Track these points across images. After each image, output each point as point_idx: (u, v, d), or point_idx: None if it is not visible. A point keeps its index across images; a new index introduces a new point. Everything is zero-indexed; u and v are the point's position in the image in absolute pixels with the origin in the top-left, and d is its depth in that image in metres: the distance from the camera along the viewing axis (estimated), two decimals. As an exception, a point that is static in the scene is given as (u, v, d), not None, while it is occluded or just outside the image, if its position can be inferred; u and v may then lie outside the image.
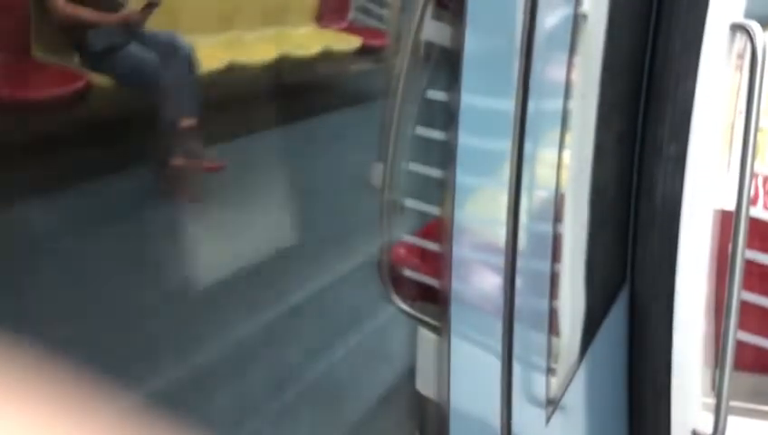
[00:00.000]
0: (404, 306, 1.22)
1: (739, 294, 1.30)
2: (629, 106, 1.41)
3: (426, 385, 1.03)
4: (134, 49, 3.05)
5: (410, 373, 1.05)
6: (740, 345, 1.34)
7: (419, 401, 1.04)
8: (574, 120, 1.10)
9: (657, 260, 1.41)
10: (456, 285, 0.95)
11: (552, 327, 1.11)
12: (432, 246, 1.04)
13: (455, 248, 0.95)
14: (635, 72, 1.41)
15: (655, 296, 1.42)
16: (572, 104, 1.07)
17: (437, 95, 1.00)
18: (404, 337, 1.07)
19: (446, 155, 0.94)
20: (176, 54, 3.05)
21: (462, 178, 0.93)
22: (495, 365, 0.97)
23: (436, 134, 0.99)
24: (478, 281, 1.00)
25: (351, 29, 4.51)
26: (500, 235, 0.95)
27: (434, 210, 1.04)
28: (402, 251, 1.43)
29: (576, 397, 1.26)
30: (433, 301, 1.00)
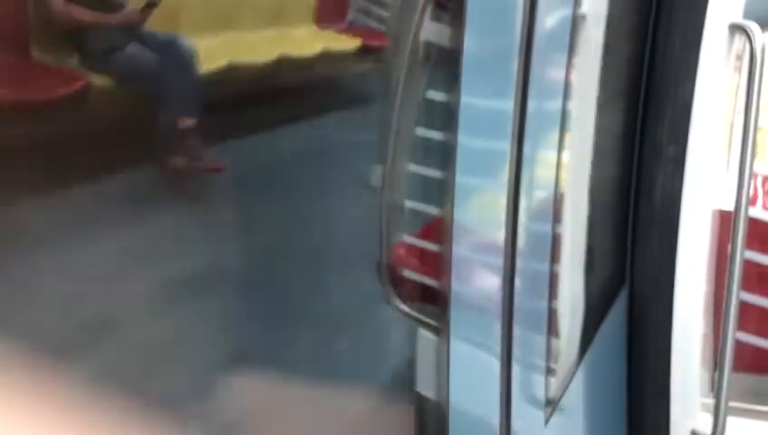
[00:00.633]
0: (404, 307, 1.22)
1: (738, 294, 1.30)
2: (628, 106, 1.41)
3: (425, 386, 1.03)
4: (134, 49, 3.04)
5: (410, 374, 1.06)
6: (739, 346, 1.34)
7: (419, 401, 1.04)
8: (573, 121, 1.10)
9: (657, 260, 1.41)
10: (456, 286, 0.95)
11: (552, 328, 1.11)
12: (432, 246, 1.04)
13: (454, 249, 0.95)
14: (634, 73, 1.41)
15: (654, 297, 1.42)
16: (571, 105, 1.07)
17: (437, 96, 1.01)
18: (403, 338, 1.08)
19: (445, 155, 0.94)
20: (176, 55, 3.05)
21: (462, 178, 0.93)
22: (495, 366, 0.97)
23: (436, 135, 0.99)
24: (478, 282, 1.00)
25: (351, 30, 4.51)
26: (499, 235, 0.95)
27: (434, 211, 1.04)
28: (402, 252, 1.43)
29: (575, 398, 1.26)
30: (433, 302, 1.00)
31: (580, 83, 1.10)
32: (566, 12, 1.02)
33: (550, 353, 1.11)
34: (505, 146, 0.93)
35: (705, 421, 1.37)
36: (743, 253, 1.29)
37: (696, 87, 1.32)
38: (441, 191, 0.97)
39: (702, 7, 1.31)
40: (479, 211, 0.98)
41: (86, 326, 2.03)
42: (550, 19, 0.97)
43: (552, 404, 1.12)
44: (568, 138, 1.08)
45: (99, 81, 2.95)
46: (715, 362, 1.36)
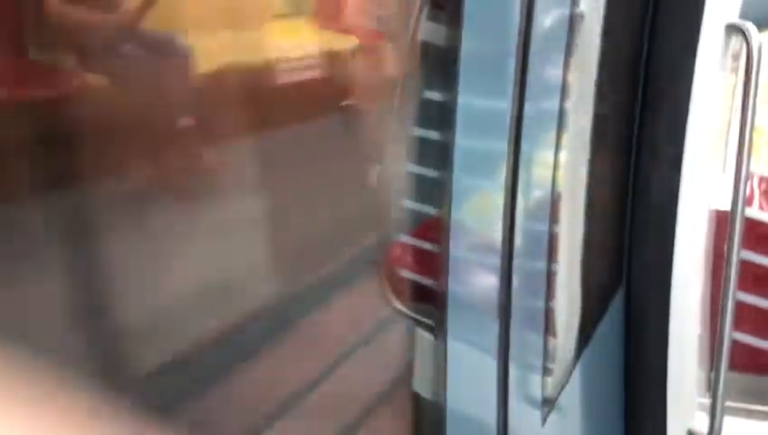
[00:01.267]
0: (401, 307, 1.22)
1: (734, 294, 1.30)
2: (625, 107, 1.42)
3: (423, 385, 1.03)
4: (131, 49, 3.05)
5: (407, 373, 1.05)
6: (735, 346, 1.34)
7: (416, 400, 1.04)
8: (570, 121, 1.10)
9: (653, 261, 1.41)
10: (453, 286, 0.95)
11: (549, 327, 1.11)
12: (429, 246, 1.04)
13: (452, 249, 0.95)
14: (631, 73, 1.41)
15: (651, 297, 1.42)
16: (569, 104, 1.07)
17: (435, 96, 1.01)
18: (401, 337, 1.07)
19: (443, 155, 0.94)
20: (173, 54, 3.06)
21: (459, 178, 0.93)
22: (492, 365, 0.97)
23: (434, 135, 0.99)
24: (475, 281, 1.00)
25: (348, 29, 4.51)
26: (497, 235, 0.95)
27: (431, 211, 1.04)
28: (399, 251, 1.43)
29: (572, 397, 1.26)
30: (430, 301, 1.00)
31: (577, 83, 1.10)
32: (563, 12, 1.02)
33: (547, 353, 1.11)
34: (503, 146, 0.93)
35: (701, 420, 1.37)
36: (739, 253, 1.29)
37: (692, 87, 1.33)
38: (439, 191, 0.97)
39: (699, 8, 1.31)
40: (476, 211, 0.98)
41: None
42: (547, 19, 0.97)
43: (549, 403, 1.12)
44: (565, 138, 1.08)
45: (95, 81, 2.95)
46: (712, 362, 1.36)
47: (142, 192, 0.69)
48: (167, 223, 0.72)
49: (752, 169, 1.36)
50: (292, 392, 0.90)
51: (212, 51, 0.79)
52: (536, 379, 1.08)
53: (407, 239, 1.10)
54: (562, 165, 1.09)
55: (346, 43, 1.02)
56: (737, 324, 1.34)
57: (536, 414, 1.09)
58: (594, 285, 1.33)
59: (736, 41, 1.33)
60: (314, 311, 0.98)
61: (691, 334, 1.40)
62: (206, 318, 0.74)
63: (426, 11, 1.06)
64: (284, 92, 0.89)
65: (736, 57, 1.36)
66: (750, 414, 1.45)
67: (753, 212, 1.44)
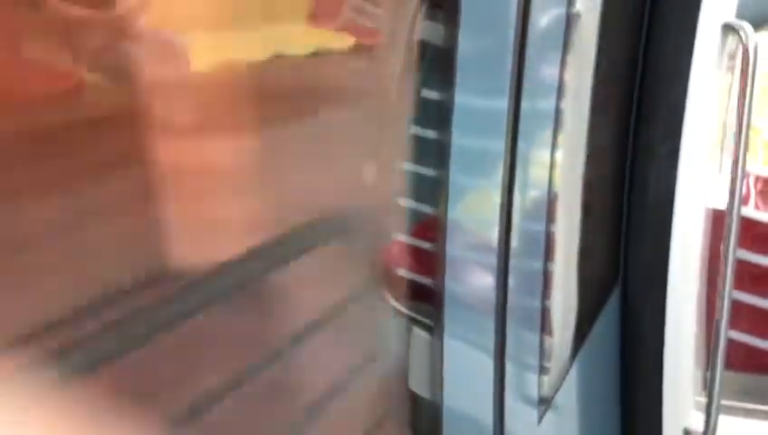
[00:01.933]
0: (397, 305, 1.22)
1: (730, 293, 1.31)
2: (622, 105, 1.42)
3: (419, 384, 1.03)
4: (128, 47, 3.04)
5: (403, 372, 1.06)
6: (731, 344, 1.35)
7: (412, 399, 1.04)
8: (567, 120, 1.10)
9: (649, 259, 1.42)
10: (450, 284, 0.95)
11: (545, 326, 1.11)
12: (425, 245, 1.04)
13: (448, 247, 0.95)
14: (627, 72, 1.41)
15: (647, 295, 1.42)
16: (565, 103, 1.07)
17: (431, 94, 1.01)
18: (397, 335, 1.08)
19: (439, 154, 0.94)
20: (170, 53, 3.05)
21: (455, 176, 0.93)
22: (488, 364, 0.97)
23: (430, 133, 0.99)
24: (472, 280, 1.00)
25: (345, 28, 4.51)
26: (493, 234, 0.95)
27: (428, 209, 1.04)
28: (396, 250, 1.43)
29: (568, 396, 1.26)
30: (426, 300, 1.01)
31: (574, 82, 1.10)
32: (560, 10, 1.02)
33: (543, 352, 1.11)
34: (499, 144, 0.93)
35: (697, 419, 1.38)
36: (735, 252, 1.30)
37: (689, 87, 1.33)
38: (435, 190, 0.97)
39: (695, 7, 1.31)
40: (473, 210, 0.99)
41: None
42: (544, 18, 0.97)
43: (545, 402, 1.12)
44: (561, 137, 1.08)
45: (92, 79, 2.95)
46: (708, 361, 1.36)
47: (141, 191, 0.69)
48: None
49: (748, 168, 1.36)
50: (292, 392, 0.90)
51: (211, 50, 0.79)
52: (533, 377, 1.08)
53: (404, 238, 1.10)
54: (559, 164, 1.09)
55: (342, 41, 1.02)
56: (733, 323, 1.34)
57: (532, 413, 1.09)
58: (590, 283, 1.34)
59: (732, 40, 1.33)
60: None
61: (687, 333, 1.40)
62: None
63: (423, 9, 1.06)
64: (284, 92, 0.89)
65: (732, 57, 1.36)
66: (746, 413, 1.45)
67: (750, 211, 1.44)
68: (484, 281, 0.98)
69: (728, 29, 1.32)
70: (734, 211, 1.28)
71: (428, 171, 1.01)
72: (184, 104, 0.72)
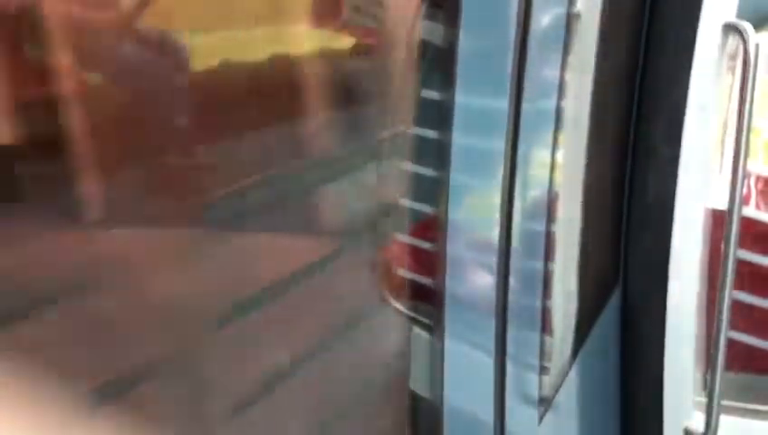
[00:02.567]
0: (398, 305, 1.22)
1: (731, 293, 1.31)
2: (622, 106, 1.42)
3: (419, 384, 1.03)
4: (127, 48, 3.04)
5: (404, 372, 1.06)
6: (732, 345, 1.35)
7: (413, 399, 1.04)
8: (567, 120, 1.10)
9: (650, 260, 1.41)
10: (450, 285, 0.95)
11: (545, 326, 1.11)
12: (426, 245, 1.04)
13: (449, 247, 0.95)
14: (628, 72, 1.41)
15: (647, 295, 1.42)
16: (566, 104, 1.07)
17: (431, 94, 1.01)
18: (398, 336, 1.08)
19: (440, 154, 0.94)
20: (170, 53, 3.05)
21: (456, 177, 0.93)
22: (489, 364, 0.97)
23: (430, 133, 0.99)
24: (472, 280, 1.00)
25: (345, 28, 4.51)
26: (494, 234, 0.95)
27: (428, 209, 1.04)
28: (396, 250, 1.43)
29: (569, 396, 1.26)
30: (427, 300, 1.01)
31: (574, 82, 1.10)
32: (560, 11, 1.02)
33: (543, 352, 1.11)
34: (500, 145, 0.93)
35: (698, 420, 1.37)
36: (736, 252, 1.30)
37: (689, 87, 1.33)
38: (435, 190, 0.97)
39: (696, 7, 1.31)
40: (473, 210, 0.99)
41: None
42: (544, 18, 0.97)
43: (545, 403, 1.12)
44: (562, 137, 1.08)
45: (92, 79, 2.95)
46: (708, 361, 1.36)
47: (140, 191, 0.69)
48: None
49: (749, 168, 1.36)
50: (291, 394, 0.90)
51: (211, 50, 0.79)
52: (533, 377, 1.08)
53: (404, 238, 1.10)
54: (559, 164, 1.09)
55: (343, 41, 1.02)
56: (734, 324, 1.34)
57: (533, 413, 1.09)
58: (591, 284, 1.34)
59: (733, 40, 1.33)
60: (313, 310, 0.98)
61: (688, 333, 1.40)
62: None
63: (423, 9, 1.06)
64: (282, 91, 0.90)
65: (733, 57, 1.36)
66: (746, 413, 1.45)
67: (750, 211, 1.44)
68: (485, 281, 0.98)
69: (729, 29, 1.31)
70: (735, 211, 1.28)
71: (428, 171, 1.01)
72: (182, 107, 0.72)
